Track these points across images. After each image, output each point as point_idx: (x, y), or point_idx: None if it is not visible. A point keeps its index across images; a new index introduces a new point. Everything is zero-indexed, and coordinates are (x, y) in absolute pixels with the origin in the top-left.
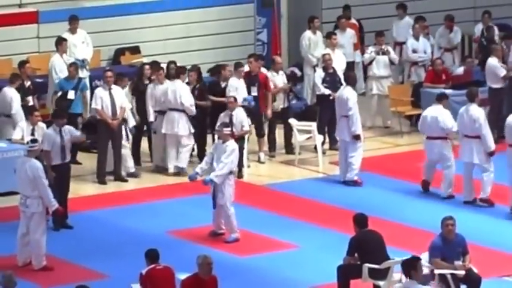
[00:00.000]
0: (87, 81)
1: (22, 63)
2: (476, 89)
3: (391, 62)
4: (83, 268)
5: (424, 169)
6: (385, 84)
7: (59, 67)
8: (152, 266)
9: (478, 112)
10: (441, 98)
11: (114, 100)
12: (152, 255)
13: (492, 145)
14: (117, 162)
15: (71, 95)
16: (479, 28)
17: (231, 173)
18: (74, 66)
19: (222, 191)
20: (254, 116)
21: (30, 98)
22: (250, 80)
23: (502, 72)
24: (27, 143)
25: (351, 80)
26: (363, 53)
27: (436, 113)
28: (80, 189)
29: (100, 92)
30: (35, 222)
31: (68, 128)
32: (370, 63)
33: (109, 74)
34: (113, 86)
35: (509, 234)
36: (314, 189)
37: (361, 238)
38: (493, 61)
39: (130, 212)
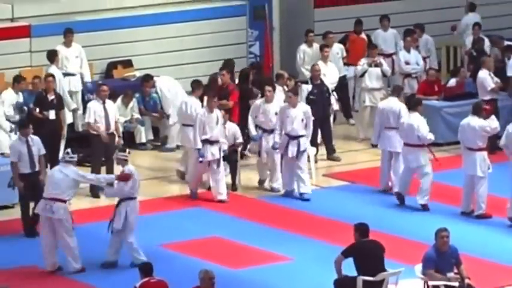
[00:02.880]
0: (79, 94)
1: (46, 77)
2: (482, 102)
3: (383, 74)
4: (77, 282)
5: (400, 179)
6: (378, 96)
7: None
8: (146, 279)
9: (480, 123)
10: (415, 105)
11: (108, 114)
12: (146, 269)
13: None
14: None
15: None
16: (470, 40)
17: None
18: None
19: None
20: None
21: (52, 112)
22: (222, 93)
23: (490, 86)
24: (67, 153)
25: (395, 92)
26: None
27: (412, 121)
28: (73, 203)
29: (94, 105)
30: (64, 227)
31: (36, 139)
32: (363, 75)
33: (104, 88)
34: (106, 100)
35: (506, 245)
36: (308, 202)
37: (360, 246)
38: (483, 73)
39: None
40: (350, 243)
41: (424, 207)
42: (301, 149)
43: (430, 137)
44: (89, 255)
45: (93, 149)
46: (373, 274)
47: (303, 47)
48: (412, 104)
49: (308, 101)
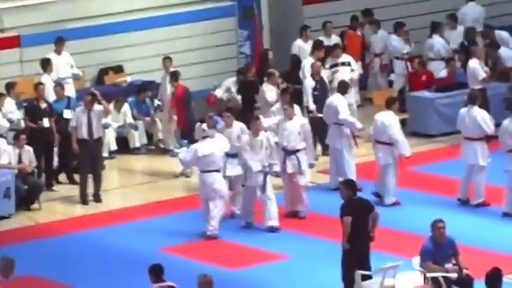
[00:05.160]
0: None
1: (36, 85)
2: (478, 91)
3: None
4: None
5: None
6: (351, 94)
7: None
8: (158, 285)
9: (481, 113)
10: (390, 104)
11: (91, 121)
12: (157, 270)
13: None
14: (95, 183)
15: (67, 114)
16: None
17: None
18: (59, 86)
19: None
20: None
21: (46, 120)
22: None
23: (481, 75)
24: (203, 130)
25: (340, 88)
26: (364, 68)
27: (384, 119)
28: (67, 211)
29: (79, 111)
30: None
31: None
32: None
33: (87, 97)
34: (95, 107)
35: (502, 234)
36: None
37: (357, 204)
38: (473, 63)
39: (119, 231)
40: (344, 202)
41: (395, 204)
42: (302, 164)
43: (401, 139)
44: (88, 263)
45: (79, 156)
46: (361, 231)
47: (299, 42)
48: (387, 102)
49: (313, 97)
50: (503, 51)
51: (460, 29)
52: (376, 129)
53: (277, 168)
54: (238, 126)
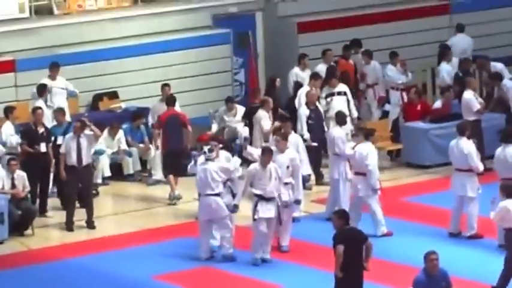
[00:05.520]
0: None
1: (34, 109)
2: (467, 123)
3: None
4: None
5: (350, 207)
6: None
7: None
8: None
9: (468, 146)
10: (368, 135)
11: (80, 148)
12: None
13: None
14: (88, 210)
15: (59, 140)
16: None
17: None
18: (61, 112)
19: None
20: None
21: (43, 145)
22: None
23: (476, 107)
24: (204, 152)
25: (338, 119)
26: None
27: (363, 150)
28: (60, 237)
29: (68, 138)
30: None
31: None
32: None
33: (77, 124)
34: (84, 134)
35: (496, 267)
36: (297, 228)
37: (348, 234)
38: (468, 94)
39: (112, 257)
40: (336, 232)
41: (387, 234)
42: (285, 199)
43: (374, 170)
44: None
45: (66, 181)
46: (353, 261)
47: (296, 70)
48: (366, 134)
49: (307, 125)
50: (507, 82)
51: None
52: (355, 160)
53: (286, 198)
54: (223, 155)
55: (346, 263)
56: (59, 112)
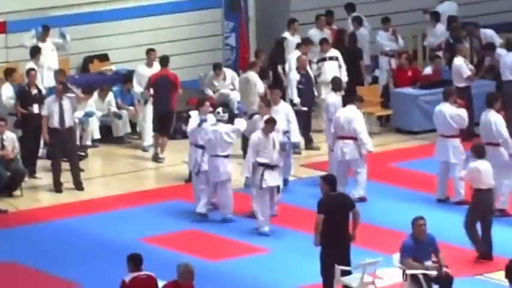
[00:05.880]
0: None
1: (28, 71)
2: (453, 88)
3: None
4: (55, 277)
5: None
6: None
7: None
8: (135, 274)
9: (450, 110)
10: (353, 99)
11: (63, 110)
12: (136, 260)
13: None
14: (73, 171)
15: None
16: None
17: None
18: (60, 73)
19: None
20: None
21: (36, 106)
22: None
23: (466, 73)
24: (218, 113)
25: (334, 85)
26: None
27: (349, 114)
28: (48, 198)
29: (50, 100)
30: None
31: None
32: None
33: (59, 87)
34: (67, 96)
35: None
36: (285, 193)
37: (335, 199)
38: (458, 61)
39: (99, 219)
40: (322, 198)
41: (362, 200)
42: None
43: (364, 134)
44: (66, 250)
45: (50, 144)
46: (339, 228)
47: (286, 34)
48: (352, 97)
49: (297, 90)
50: (501, 51)
51: (441, 26)
52: (339, 124)
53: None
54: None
55: (332, 229)
56: (59, 73)
